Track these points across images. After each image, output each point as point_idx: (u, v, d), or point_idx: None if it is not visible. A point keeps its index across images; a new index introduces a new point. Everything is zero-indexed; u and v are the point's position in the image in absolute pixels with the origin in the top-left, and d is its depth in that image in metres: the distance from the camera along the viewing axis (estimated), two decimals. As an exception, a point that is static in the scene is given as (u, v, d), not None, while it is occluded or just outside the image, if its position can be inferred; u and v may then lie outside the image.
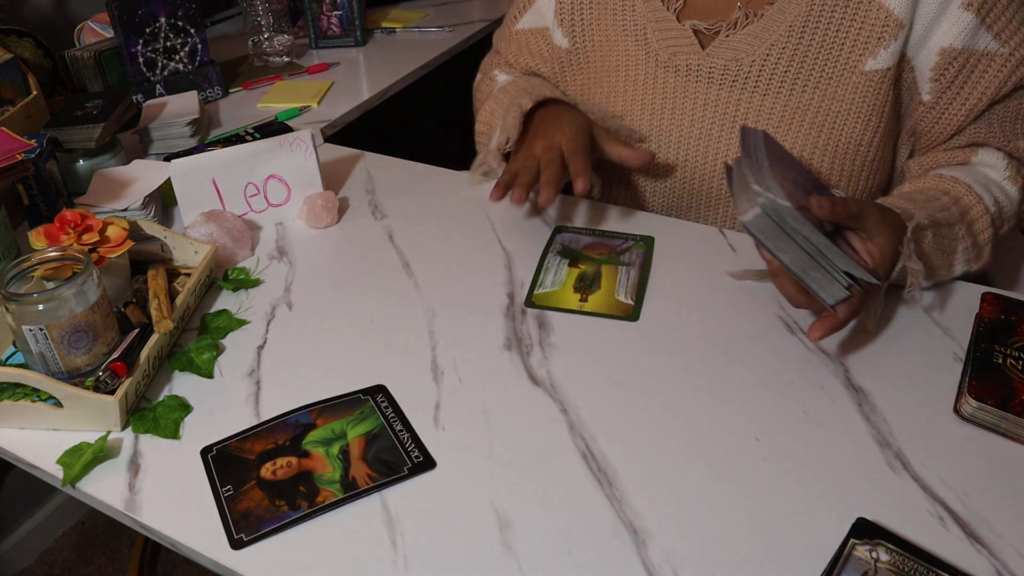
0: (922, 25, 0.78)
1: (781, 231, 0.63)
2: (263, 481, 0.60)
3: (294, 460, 0.62)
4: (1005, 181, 0.81)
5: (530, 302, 0.78)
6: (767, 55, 0.83)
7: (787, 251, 0.63)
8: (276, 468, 0.61)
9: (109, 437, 0.65)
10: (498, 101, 0.99)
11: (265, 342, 0.75)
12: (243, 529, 0.57)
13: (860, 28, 0.79)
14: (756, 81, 0.84)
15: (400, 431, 0.64)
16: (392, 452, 0.62)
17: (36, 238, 0.73)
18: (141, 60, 1.26)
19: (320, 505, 0.58)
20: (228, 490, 0.60)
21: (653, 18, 0.88)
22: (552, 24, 0.98)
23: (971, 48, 0.77)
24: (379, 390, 0.68)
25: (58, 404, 0.65)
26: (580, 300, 0.78)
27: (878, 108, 0.82)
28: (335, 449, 0.62)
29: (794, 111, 0.84)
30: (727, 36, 0.85)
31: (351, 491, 0.59)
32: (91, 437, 0.65)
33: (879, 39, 0.79)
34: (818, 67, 0.82)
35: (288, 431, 0.64)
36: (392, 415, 0.65)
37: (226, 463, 0.62)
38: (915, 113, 0.84)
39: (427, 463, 0.61)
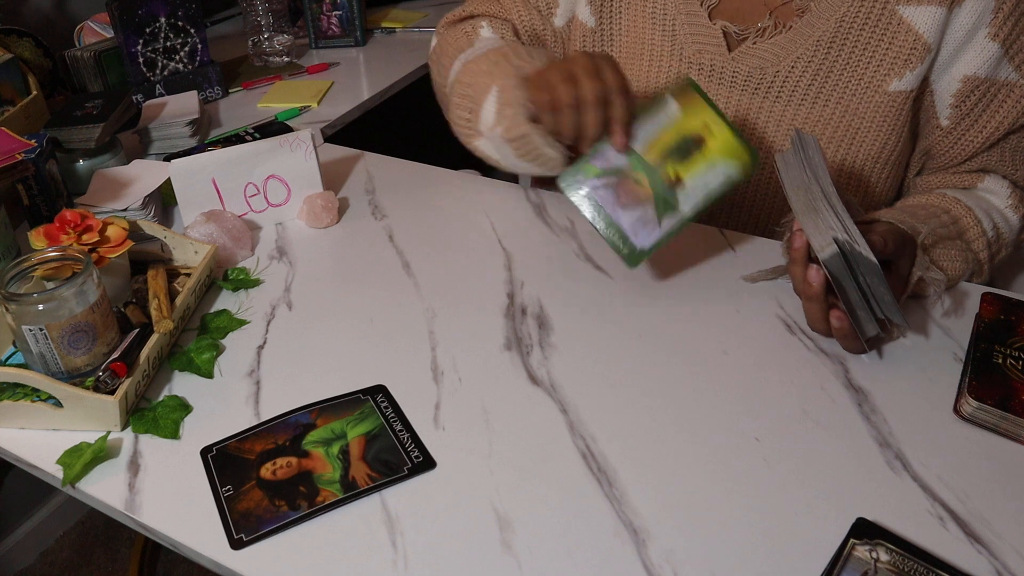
0: (948, 51, 0.78)
1: (848, 270, 0.65)
2: (263, 481, 0.60)
3: (294, 460, 0.62)
4: (1007, 209, 0.82)
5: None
6: (792, 67, 0.83)
7: (849, 289, 0.65)
8: (276, 468, 0.61)
9: (109, 437, 0.65)
10: (492, 62, 0.85)
11: (265, 342, 0.75)
12: (243, 529, 0.57)
13: (887, 49, 0.79)
14: (779, 91, 0.84)
15: (400, 431, 0.64)
16: (392, 452, 0.62)
17: (36, 238, 0.73)
18: (141, 60, 1.26)
19: (320, 505, 0.58)
20: (228, 490, 0.60)
21: (684, 10, 0.87)
22: None
23: (993, 78, 0.78)
24: (379, 390, 0.68)
25: (58, 404, 0.65)
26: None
27: (897, 128, 0.82)
28: (335, 449, 0.62)
29: (814, 124, 0.84)
30: (754, 43, 0.85)
31: (351, 491, 0.59)
32: (91, 437, 0.65)
33: (906, 61, 0.79)
34: (842, 83, 0.82)
35: (288, 431, 0.64)
36: (392, 415, 0.65)
37: (226, 463, 0.62)
38: (931, 136, 0.84)
39: (427, 463, 0.61)
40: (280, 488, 0.59)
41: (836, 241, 0.65)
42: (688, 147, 0.74)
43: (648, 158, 0.74)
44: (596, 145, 0.75)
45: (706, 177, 0.73)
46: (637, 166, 0.74)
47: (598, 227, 0.74)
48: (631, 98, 0.74)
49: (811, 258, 0.68)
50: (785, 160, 0.71)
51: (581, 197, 0.75)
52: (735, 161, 0.73)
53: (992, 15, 0.75)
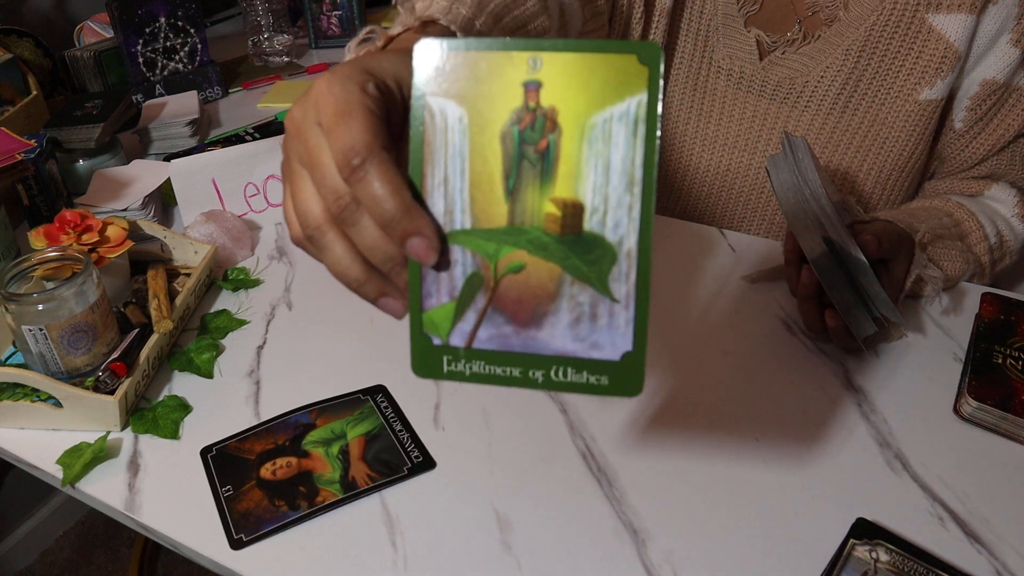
0: (973, 57, 0.78)
1: (838, 270, 0.65)
2: (263, 481, 0.60)
3: (294, 460, 0.62)
4: (1013, 218, 0.82)
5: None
6: (822, 76, 0.82)
7: (839, 288, 0.65)
8: (276, 468, 0.61)
9: (109, 437, 0.65)
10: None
11: (265, 342, 0.75)
12: (243, 529, 0.57)
13: (918, 57, 0.79)
14: (808, 100, 0.84)
15: (400, 431, 0.64)
16: (392, 452, 0.62)
17: (36, 238, 0.73)
18: (141, 60, 1.26)
19: (320, 505, 0.58)
20: (228, 490, 0.60)
21: (723, 12, 0.86)
22: None
23: (1009, 82, 0.78)
24: (379, 390, 0.68)
25: (58, 404, 0.65)
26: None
27: (926, 136, 0.82)
28: (335, 449, 0.62)
29: (843, 133, 0.84)
30: (783, 53, 0.84)
31: (351, 491, 0.59)
32: (91, 437, 0.65)
33: (937, 70, 0.78)
34: (871, 93, 0.82)
35: (288, 431, 0.64)
36: (392, 415, 0.65)
37: (226, 463, 0.62)
38: (944, 138, 0.84)
39: (427, 463, 0.61)
40: (280, 488, 0.59)
41: (825, 240, 0.65)
42: (533, 142, 0.36)
43: (488, 219, 0.37)
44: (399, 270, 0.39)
45: (602, 151, 0.36)
46: (490, 246, 0.37)
47: (537, 385, 0.39)
48: (387, 161, 0.36)
49: (804, 259, 0.68)
50: (775, 163, 0.71)
51: (468, 371, 0.39)
52: (629, 74, 0.35)
53: (1016, 21, 0.75)
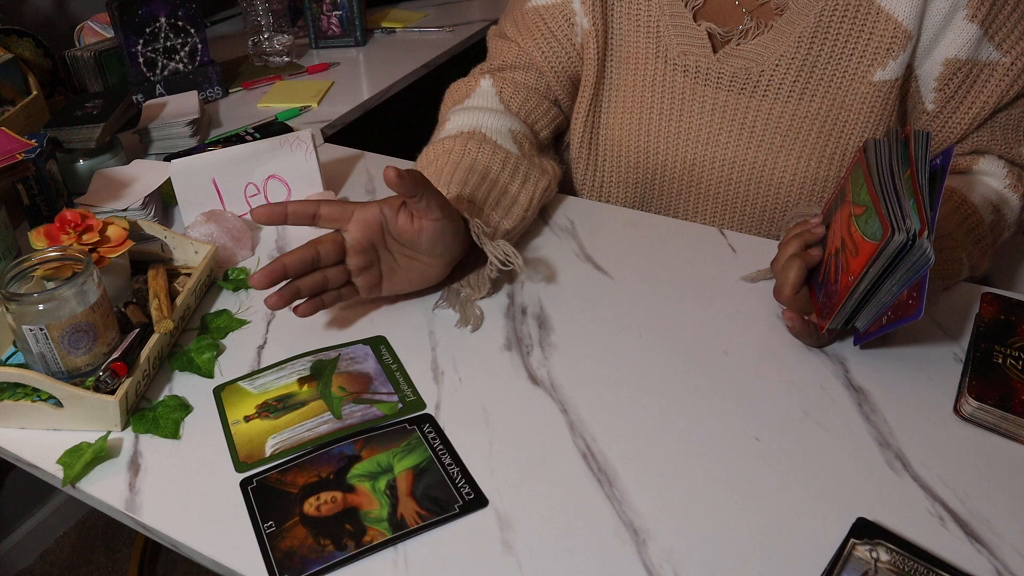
0: (928, 36, 0.78)
1: (888, 265, 0.61)
2: (307, 517, 0.57)
3: (339, 495, 0.59)
4: (1006, 189, 0.82)
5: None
6: (776, 65, 0.83)
7: (868, 280, 0.62)
8: (320, 504, 0.58)
9: (109, 437, 0.65)
10: (444, 157, 0.85)
11: (265, 342, 0.75)
12: (287, 570, 0.54)
13: (868, 39, 0.79)
14: (765, 89, 0.84)
15: (449, 465, 0.61)
16: (441, 488, 0.59)
17: (36, 238, 0.73)
18: (141, 60, 1.26)
19: (368, 545, 0.55)
20: (270, 526, 0.56)
21: (669, 11, 0.87)
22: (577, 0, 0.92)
23: (975, 59, 0.78)
24: (426, 419, 0.65)
25: (58, 404, 0.65)
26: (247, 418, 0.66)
27: (885, 118, 0.83)
28: (382, 484, 0.59)
29: (802, 119, 0.84)
30: (738, 44, 0.85)
31: (400, 530, 0.56)
32: (91, 437, 0.65)
33: (888, 50, 0.79)
34: (826, 77, 0.82)
35: (332, 463, 0.61)
36: (440, 447, 0.62)
37: (267, 496, 0.59)
38: (919, 121, 0.84)
39: (479, 501, 0.58)
40: (325, 525, 0.56)
41: (907, 233, 0.59)
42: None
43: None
44: None
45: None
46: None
47: None
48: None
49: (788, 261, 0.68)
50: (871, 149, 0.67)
51: None
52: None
53: None
